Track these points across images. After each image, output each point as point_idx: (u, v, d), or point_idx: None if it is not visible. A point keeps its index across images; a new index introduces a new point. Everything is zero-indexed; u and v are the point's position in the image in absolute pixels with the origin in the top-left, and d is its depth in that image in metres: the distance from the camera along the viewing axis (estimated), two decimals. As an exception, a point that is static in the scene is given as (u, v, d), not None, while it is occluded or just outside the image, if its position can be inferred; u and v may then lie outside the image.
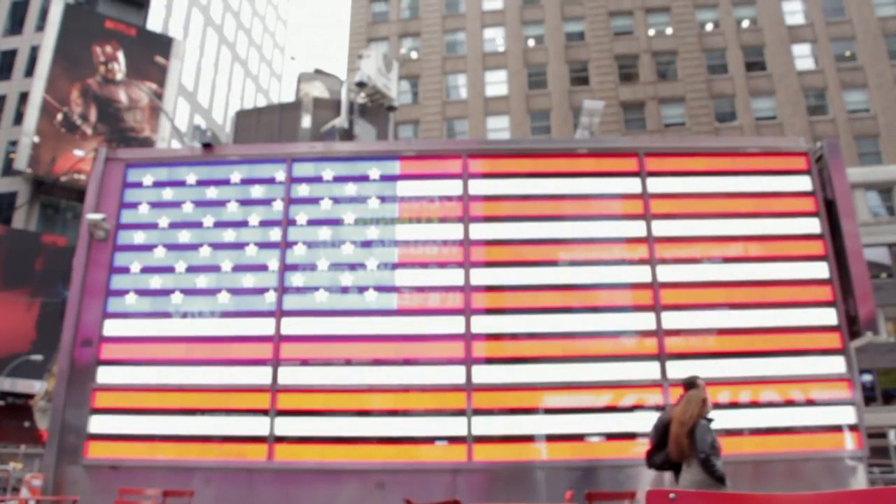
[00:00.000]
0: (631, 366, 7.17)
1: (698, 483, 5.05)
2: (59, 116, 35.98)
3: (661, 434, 5.67)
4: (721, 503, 1.79)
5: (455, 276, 7.47)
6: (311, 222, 7.79)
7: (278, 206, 7.85)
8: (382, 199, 7.83)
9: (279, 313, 7.42)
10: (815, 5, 37.69)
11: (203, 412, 7.18)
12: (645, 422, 7.03)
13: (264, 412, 7.09)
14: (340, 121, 10.38)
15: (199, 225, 7.86)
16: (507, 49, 40.14)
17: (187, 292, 7.61)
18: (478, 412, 6.99)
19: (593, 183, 7.92)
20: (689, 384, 5.61)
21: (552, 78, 38.85)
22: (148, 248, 7.80)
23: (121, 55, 38.30)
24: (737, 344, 7.26)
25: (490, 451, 6.92)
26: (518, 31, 40.36)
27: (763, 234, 7.62)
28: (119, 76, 38.17)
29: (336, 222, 7.77)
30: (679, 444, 5.16)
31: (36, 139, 34.65)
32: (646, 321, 7.31)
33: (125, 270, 7.73)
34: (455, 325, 7.30)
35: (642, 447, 6.98)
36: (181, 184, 8.05)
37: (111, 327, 7.51)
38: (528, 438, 6.99)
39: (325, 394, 7.19)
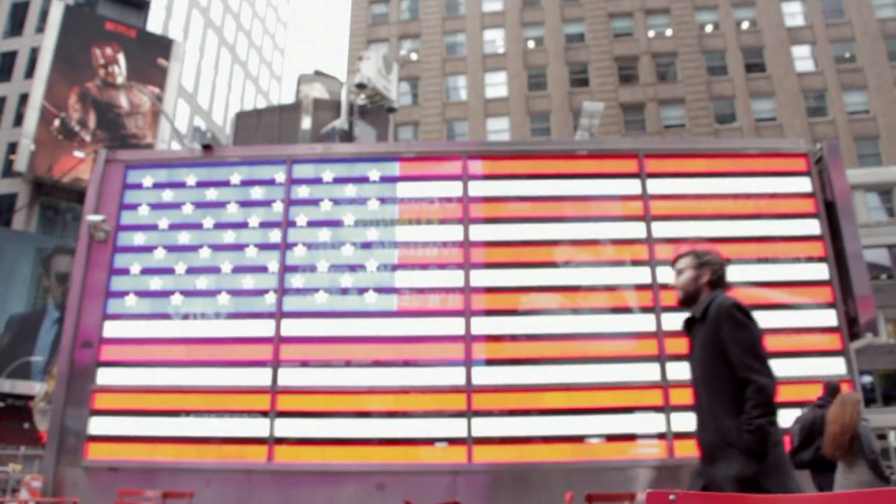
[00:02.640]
0: (631, 367, 7.16)
1: (866, 484, 5.20)
2: (57, 122, 35.78)
3: (807, 433, 5.86)
4: (721, 504, 1.79)
5: (455, 278, 7.47)
6: (311, 224, 7.79)
7: (278, 207, 7.85)
8: (382, 200, 7.83)
9: (279, 315, 7.42)
10: (815, 7, 37.74)
11: (203, 414, 7.17)
12: (645, 423, 7.03)
13: (264, 414, 7.09)
14: (340, 122, 10.39)
15: (198, 226, 7.86)
16: (507, 50, 40.17)
17: (187, 294, 7.61)
18: (478, 414, 6.99)
19: (593, 184, 7.92)
20: (832, 387, 5.99)
21: (552, 79, 38.89)
22: (148, 249, 7.80)
23: (121, 58, 38.22)
24: (737, 345, 7.25)
25: (490, 452, 6.92)
26: (518, 32, 40.40)
27: (763, 236, 7.62)
28: (120, 80, 38.09)
29: (336, 224, 7.77)
30: (841, 445, 5.34)
31: (32, 147, 34.54)
32: (646, 323, 7.31)
33: (125, 272, 7.73)
34: (455, 326, 7.30)
35: (642, 448, 6.99)
36: (181, 185, 8.05)
37: (111, 329, 7.51)
38: (528, 440, 6.99)
39: (325, 395, 7.19)
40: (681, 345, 7.14)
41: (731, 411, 3.16)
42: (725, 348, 3.24)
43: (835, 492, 5.21)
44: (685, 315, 3.51)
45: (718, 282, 3.54)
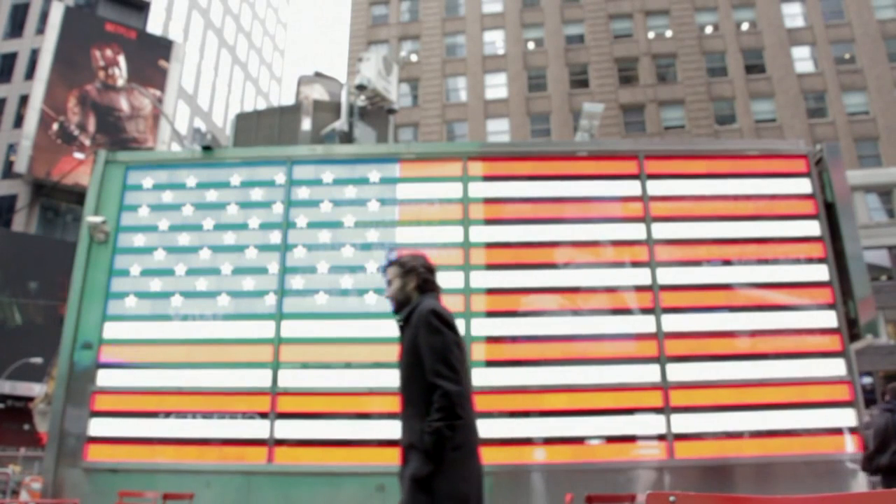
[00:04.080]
0: (631, 368, 7.16)
1: None
2: (55, 126, 35.69)
3: (882, 437, 6.11)
4: (722, 506, 1.79)
5: (455, 279, 7.47)
6: (312, 225, 7.79)
7: (278, 208, 7.85)
8: (382, 201, 7.83)
9: (279, 316, 7.42)
10: (815, 8, 37.75)
11: (203, 415, 7.17)
12: (645, 425, 7.02)
13: (264, 415, 7.09)
14: (340, 123, 10.38)
15: (199, 227, 7.86)
16: (507, 52, 40.19)
17: (187, 295, 7.60)
18: (478, 415, 6.97)
19: (593, 185, 7.92)
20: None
21: (552, 81, 38.90)
22: (148, 250, 7.80)
23: (122, 59, 38.18)
24: (737, 346, 7.26)
25: (490, 454, 6.88)
26: (518, 33, 40.41)
27: (763, 237, 7.63)
28: (120, 82, 38.04)
29: (336, 225, 7.77)
30: None
31: (30, 152, 34.47)
32: (646, 324, 7.31)
33: (125, 273, 7.72)
34: (455, 327, 7.29)
35: (642, 450, 6.99)
36: (181, 186, 8.05)
37: (111, 330, 7.51)
38: (529, 441, 6.99)
39: (326, 397, 7.19)
40: (682, 346, 7.17)
41: (420, 414, 3.28)
42: (421, 353, 3.34)
43: None
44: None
45: (425, 286, 3.66)
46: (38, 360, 28.53)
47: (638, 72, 38.31)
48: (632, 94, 37.72)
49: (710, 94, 36.94)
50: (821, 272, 7.48)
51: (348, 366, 7.30)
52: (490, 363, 7.22)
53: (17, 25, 40.31)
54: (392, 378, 7.18)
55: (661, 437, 6.93)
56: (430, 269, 3.73)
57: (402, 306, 3.67)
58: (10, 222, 35.01)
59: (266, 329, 7.40)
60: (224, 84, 49.82)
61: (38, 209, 35.98)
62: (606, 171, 7.98)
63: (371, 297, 7.48)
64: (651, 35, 39.10)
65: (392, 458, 6.98)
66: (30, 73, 37.71)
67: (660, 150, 8.22)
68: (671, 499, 1.67)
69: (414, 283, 3.65)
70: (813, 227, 7.64)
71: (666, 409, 6.97)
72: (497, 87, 39.34)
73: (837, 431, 6.92)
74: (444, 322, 3.39)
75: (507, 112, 38.58)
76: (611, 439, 7.01)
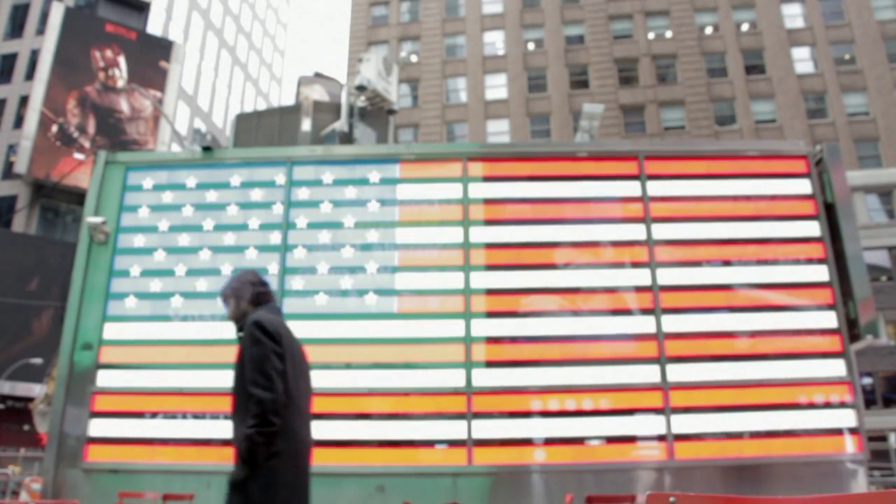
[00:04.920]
0: (631, 369, 7.17)
1: None
2: (55, 128, 35.64)
3: None
4: (722, 506, 1.79)
5: (455, 280, 7.47)
6: (311, 225, 7.80)
7: (278, 209, 7.85)
8: (382, 202, 7.83)
9: (279, 317, 7.41)
10: (815, 9, 37.77)
11: (203, 415, 7.17)
12: (645, 425, 7.03)
13: (264, 416, 7.08)
14: (340, 124, 10.39)
15: (199, 228, 7.86)
16: (507, 52, 40.20)
17: (187, 295, 7.61)
18: (478, 415, 6.99)
19: (593, 186, 7.93)
20: None
21: (552, 81, 38.91)
22: (148, 251, 7.80)
23: (122, 60, 38.15)
24: (737, 347, 7.26)
25: (490, 454, 6.92)
26: (518, 34, 40.43)
27: (763, 237, 7.63)
28: (120, 83, 38.01)
29: (336, 225, 7.78)
30: None
31: (30, 153, 34.41)
32: (646, 324, 7.31)
33: (125, 274, 7.73)
34: (455, 328, 7.30)
35: (642, 450, 6.99)
36: (181, 187, 8.05)
37: (111, 331, 7.51)
38: (528, 442, 6.99)
39: (325, 397, 7.18)
40: (682, 346, 7.17)
41: (243, 422, 3.44)
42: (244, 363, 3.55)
43: None
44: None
45: (258, 299, 3.86)
46: (38, 360, 28.52)
47: (638, 72, 38.32)
48: (632, 95, 37.74)
49: (710, 95, 36.96)
50: (821, 273, 7.48)
51: (348, 366, 7.30)
52: (490, 363, 7.22)
53: (17, 26, 40.29)
54: (392, 378, 7.22)
55: (661, 438, 6.94)
56: (260, 283, 3.93)
57: (240, 321, 3.83)
58: (10, 223, 35.00)
59: (266, 329, 7.38)
60: (224, 85, 49.84)
61: (38, 210, 35.97)
62: (606, 171, 7.98)
63: (371, 297, 7.48)
64: (651, 36, 39.11)
65: (393, 459, 7.01)
66: (30, 74, 37.68)
67: (660, 151, 8.22)
68: (671, 499, 1.68)
69: (247, 299, 3.84)
70: (813, 228, 7.64)
71: (666, 410, 6.97)
72: (497, 87, 39.36)
73: (838, 432, 6.93)
74: (264, 332, 3.56)
75: (507, 113, 38.60)
76: (611, 440, 7.02)
